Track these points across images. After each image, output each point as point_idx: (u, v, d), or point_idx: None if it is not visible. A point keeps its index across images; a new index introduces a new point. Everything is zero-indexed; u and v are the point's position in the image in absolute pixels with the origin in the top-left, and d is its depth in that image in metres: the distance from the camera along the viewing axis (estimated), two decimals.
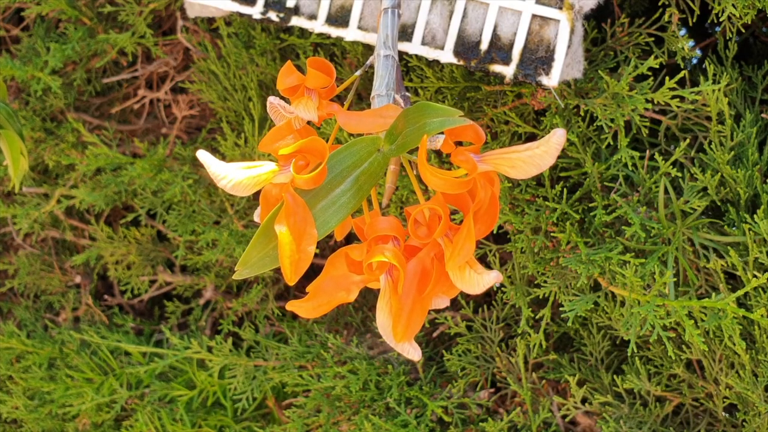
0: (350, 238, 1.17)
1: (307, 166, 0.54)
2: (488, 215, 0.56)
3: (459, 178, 0.54)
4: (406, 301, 0.55)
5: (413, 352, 0.56)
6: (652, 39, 1.01)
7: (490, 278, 0.54)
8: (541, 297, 1.06)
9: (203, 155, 0.53)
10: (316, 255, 1.28)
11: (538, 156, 0.54)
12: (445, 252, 0.55)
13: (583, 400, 1.10)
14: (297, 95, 0.64)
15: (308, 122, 0.64)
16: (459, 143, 0.57)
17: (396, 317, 0.55)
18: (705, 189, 0.97)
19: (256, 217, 0.61)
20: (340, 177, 0.55)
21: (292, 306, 0.57)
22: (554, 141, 0.53)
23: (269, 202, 0.57)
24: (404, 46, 0.92)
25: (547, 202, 1.00)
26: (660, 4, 1.00)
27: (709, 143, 0.98)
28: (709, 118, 1.00)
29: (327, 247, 1.30)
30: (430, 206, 0.55)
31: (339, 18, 0.95)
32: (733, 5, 0.92)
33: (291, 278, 0.53)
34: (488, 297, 1.21)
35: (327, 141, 0.62)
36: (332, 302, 0.57)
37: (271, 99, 0.64)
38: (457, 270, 0.54)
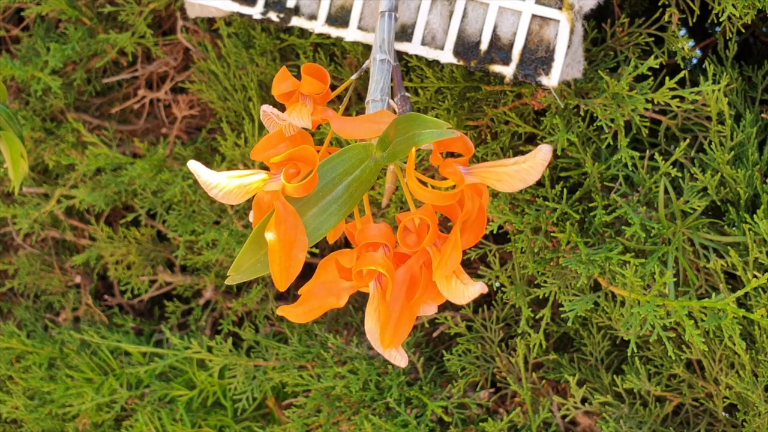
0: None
1: (298, 173, 0.55)
2: (476, 226, 0.56)
3: (446, 191, 0.54)
4: (394, 308, 0.56)
5: (400, 359, 0.57)
6: (652, 39, 1.00)
7: (475, 290, 0.54)
8: (541, 297, 1.06)
9: (194, 165, 0.54)
10: (314, 255, 1.29)
11: (524, 171, 0.54)
12: (433, 261, 0.55)
13: (583, 400, 1.10)
14: (292, 101, 0.64)
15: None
16: (450, 154, 0.57)
17: (384, 324, 0.55)
18: (705, 189, 0.97)
19: (251, 219, 0.61)
20: (332, 184, 0.55)
21: (283, 311, 0.57)
22: (540, 157, 0.54)
23: (262, 208, 0.57)
24: (404, 46, 0.92)
25: (547, 202, 1.00)
26: (660, 4, 1.00)
27: (709, 143, 0.98)
28: (709, 118, 1.00)
29: (327, 247, 1.30)
30: (419, 215, 0.55)
31: (339, 18, 0.95)
32: (733, 5, 0.92)
33: (281, 285, 0.53)
34: (488, 297, 1.21)
35: (324, 142, 0.63)
36: (323, 307, 0.58)
37: (264, 107, 0.64)
38: (443, 279, 0.55)
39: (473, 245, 0.58)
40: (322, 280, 0.58)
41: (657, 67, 0.96)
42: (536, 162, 0.54)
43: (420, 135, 0.52)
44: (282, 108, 0.64)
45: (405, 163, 0.56)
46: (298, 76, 0.65)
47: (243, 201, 0.54)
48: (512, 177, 0.54)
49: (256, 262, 0.56)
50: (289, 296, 1.39)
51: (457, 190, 0.54)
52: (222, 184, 0.53)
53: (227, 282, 0.56)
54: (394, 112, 0.64)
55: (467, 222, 0.55)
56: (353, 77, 0.70)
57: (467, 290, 0.54)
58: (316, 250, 1.28)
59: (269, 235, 0.53)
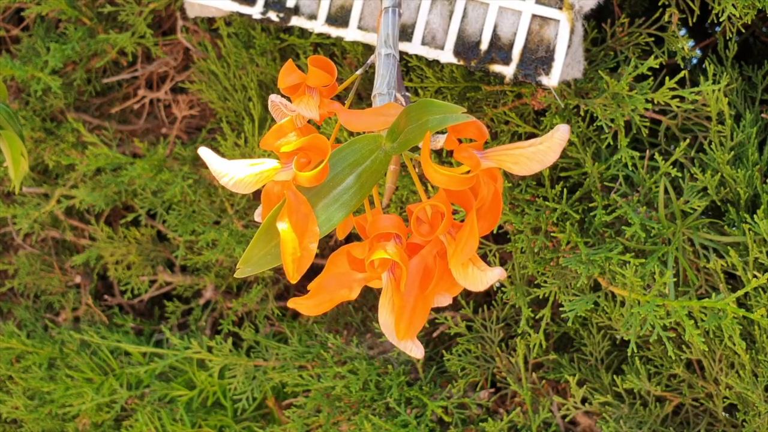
0: (350, 239, 1.17)
1: (309, 163, 0.54)
2: (491, 212, 0.56)
3: (462, 175, 0.54)
4: (409, 299, 0.55)
5: (416, 350, 0.56)
6: (652, 39, 1.01)
7: (494, 275, 0.54)
8: (541, 297, 1.06)
9: (205, 152, 0.53)
10: (316, 255, 1.29)
11: (542, 152, 0.54)
12: (448, 249, 0.55)
13: (583, 400, 1.10)
14: (298, 94, 0.64)
15: (309, 121, 0.65)
16: (461, 140, 0.57)
17: (398, 315, 0.55)
18: (705, 189, 0.97)
19: (257, 217, 0.61)
20: (342, 174, 0.55)
21: (294, 303, 0.57)
22: (558, 137, 0.53)
23: (271, 200, 0.57)
24: (404, 46, 0.92)
25: (547, 202, 1.00)
26: (660, 4, 1.00)
27: (709, 143, 0.98)
28: (709, 118, 1.00)
29: (327, 246, 1.30)
30: (432, 203, 0.55)
31: (339, 18, 0.95)
32: (733, 5, 0.92)
33: (293, 276, 0.53)
34: (488, 297, 1.21)
35: (330, 138, 0.62)
36: (334, 300, 0.57)
37: (273, 97, 0.64)
38: (460, 267, 0.54)
39: (488, 232, 0.58)
40: (332, 273, 0.57)
41: (657, 67, 0.96)
42: (554, 142, 0.53)
43: (433, 120, 0.52)
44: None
45: (416, 153, 0.56)
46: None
47: (253, 190, 0.54)
48: (530, 159, 0.54)
49: (266, 254, 0.55)
50: (288, 296, 1.39)
51: (473, 174, 0.54)
52: (233, 172, 0.53)
53: (236, 275, 0.56)
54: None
55: (482, 208, 0.55)
56: (359, 72, 0.70)
57: (485, 276, 0.54)
58: (318, 250, 1.28)
59: (281, 225, 0.52)
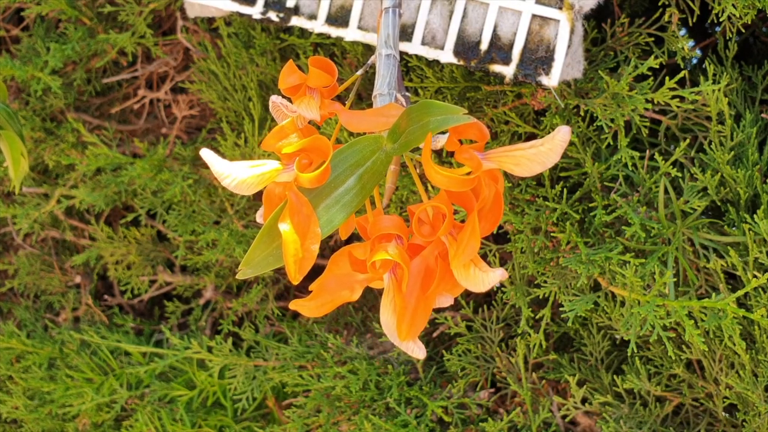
0: (352, 239, 1.17)
1: (311, 164, 0.54)
2: (492, 213, 0.56)
3: (464, 176, 0.54)
4: (410, 300, 0.55)
5: (418, 351, 0.56)
6: (652, 39, 1.01)
7: (495, 276, 0.54)
8: (541, 297, 1.06)
9: (207, 154, 0.53)
10: (318, 255, 1.28)
11: (543, 153, 0.54)
12: (450, 250, 0.55)
13: (583, 400, 1.10)
14: (299, 94, 0.64)
15: (310, 122, 0.65)
16: (462, 141, 0.57)
17: (400, 316, 0.55)
18: (705, 189, 0.97)
19: (258, 218, 0.61)
20: (344, 175, 0.55)
21: (295, 305, 0.57)
22: (559, 138, 0.53)
23: (272, 201, 0.57)
24: (404, 46, 0.92)
25: (547, 202, 1.00)
26: (660, 4, 1.00)
27: (709, 143, 0.98)
28: (709, 118, 1.00)
29: (328, 247, 1.30)
30: (434, 204, 0.55)
31: (339, 18, 0.95)
32: (733, 5, 0.92)
33: (295, 277, 0.53)
34: (488, 297, 1.21)
35: (331, 139, 0.62)
36: (336, 301, 0.57)
37: (274, 98, 0.64)
38: (461, 268, 0.54)
39: (489, 233, 0.58)
40: (334, 274, 0.57)
41: (657, 67, 0.96)
42: (555, 144, 0.53)
43: (434, 122, 0.52)
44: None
45: (417, 153, 0.56)
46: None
47: (255, 191, 0.54)
48: (530, 160, 0.54)
49: (268, 255, 0.55)
50: (289, 296, 1.39)
51: (474, 175, 0.54)
52: (235, 173, 0.53)
53: (238, 276, 0.56)
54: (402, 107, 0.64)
55: (483, 209, 0.55)
56: (359, 72, 0.70)
57: (487, 277, 0.54)
58: (319, 251, 1.27)
59: (283, 227, 0.52)
